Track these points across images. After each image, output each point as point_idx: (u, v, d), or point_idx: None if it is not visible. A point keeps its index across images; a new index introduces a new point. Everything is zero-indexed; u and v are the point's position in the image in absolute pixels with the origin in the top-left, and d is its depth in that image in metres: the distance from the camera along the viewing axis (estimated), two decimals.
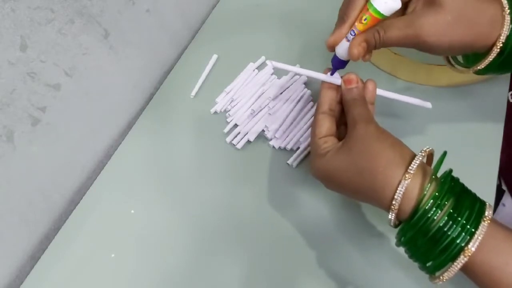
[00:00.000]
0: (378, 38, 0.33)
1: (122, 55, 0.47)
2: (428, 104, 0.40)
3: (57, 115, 0.41)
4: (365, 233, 0.40)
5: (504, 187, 0.56)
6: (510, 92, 0.51)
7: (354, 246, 0.40)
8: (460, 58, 0.39)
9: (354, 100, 0.34)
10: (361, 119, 0.32)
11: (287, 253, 0.40)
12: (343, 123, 0.37)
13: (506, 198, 0.55)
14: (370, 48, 0.34)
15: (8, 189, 0.39)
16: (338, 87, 0.37)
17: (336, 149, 0.32)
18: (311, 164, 0.35)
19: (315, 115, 0.36)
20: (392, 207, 0.28)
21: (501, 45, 0.32)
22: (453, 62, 0.39)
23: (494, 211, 0.52)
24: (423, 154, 0.30)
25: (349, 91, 0.35)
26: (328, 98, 0.36)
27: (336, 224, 0.41)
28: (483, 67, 0.35)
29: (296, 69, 0.39)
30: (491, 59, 0.34)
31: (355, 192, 0.32)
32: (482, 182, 0.41)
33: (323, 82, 0.37)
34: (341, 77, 0.37)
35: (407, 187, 0.28)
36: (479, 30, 0.32)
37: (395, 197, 0.28)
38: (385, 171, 0.29)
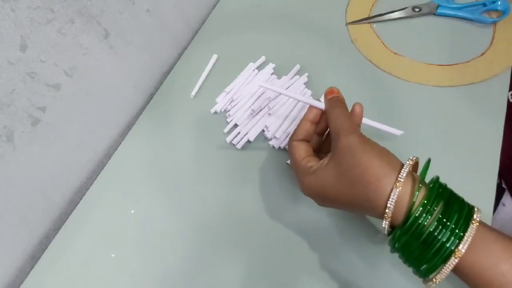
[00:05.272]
0: None
1: (122, 55, 0.47)
2: (399, 132, 0.42)
3: (57, 115, 0.41)
4: (365, 234, 0.40)
5: (504, 186, 0.56)
6: (510, 92, 0.51)
7: (354, 246, 0.40)
8: None
9: (334, 109, 0.35)
10: (343, 129, 0.32)
11: (286, 253, 0.40)
12: (324, 151, 0.39)
13: (506, 198, 0.55)
14: None
15: (8, 189, 0.39)
16: (318, 122, 0.38)
17: (325, 165, 0.33)
18: (301, 185, 0.35)
19: (290, 142, 0.38)
20: (386, 215, 0.29)
21: None
22: None
23: (494, 210, 0.53)
24: (411, 163, 0.30)
25: (330, 100, 0.36)
26: (305, 130, 0.37)
27: (336, 224, 0.41)
28: None
29: (286, 92, 0.40)
30: None
31: (349, 204, 0.32)
32: (482, 182, 0.41)
33: (305, 114, 0.38)
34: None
35: (399, 195, 0.29)
36: None
37: (388, 205, 0.29)
38: (377, 181, 0.30)
